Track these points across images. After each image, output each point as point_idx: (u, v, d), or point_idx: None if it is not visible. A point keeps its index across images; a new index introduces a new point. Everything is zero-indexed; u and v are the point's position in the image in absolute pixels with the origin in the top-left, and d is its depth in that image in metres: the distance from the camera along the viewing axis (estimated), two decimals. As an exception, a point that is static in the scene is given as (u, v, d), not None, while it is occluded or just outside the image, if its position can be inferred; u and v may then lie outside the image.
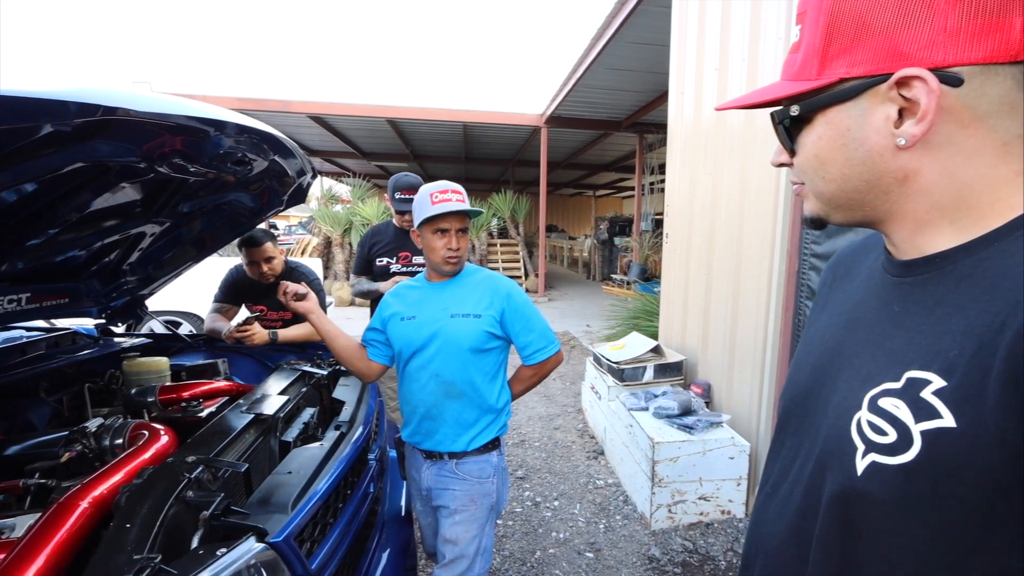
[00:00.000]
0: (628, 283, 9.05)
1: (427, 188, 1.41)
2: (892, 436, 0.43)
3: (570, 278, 13.93)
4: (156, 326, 3.50)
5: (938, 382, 0.41)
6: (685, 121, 3.33)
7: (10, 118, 0.74)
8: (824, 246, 2.17)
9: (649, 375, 3.08)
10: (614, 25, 5.44)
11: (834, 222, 0.53)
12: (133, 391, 1.54)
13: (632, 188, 15.81)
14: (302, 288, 1.44)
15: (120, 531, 0.84)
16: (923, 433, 0.41)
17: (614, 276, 10.98)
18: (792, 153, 0.52)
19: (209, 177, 1.40)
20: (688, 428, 2.46)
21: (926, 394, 0.42)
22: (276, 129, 1.39)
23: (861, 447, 0.45)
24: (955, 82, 0.41)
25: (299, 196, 1.98)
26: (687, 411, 2.59)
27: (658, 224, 9.82)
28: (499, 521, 2.44)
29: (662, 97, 7.64)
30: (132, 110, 0.83)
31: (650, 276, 8.64)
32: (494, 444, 1.46)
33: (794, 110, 0.49)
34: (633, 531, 2.39)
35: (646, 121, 9.12)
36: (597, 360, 3.45)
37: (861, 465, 0.45)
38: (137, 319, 2.08)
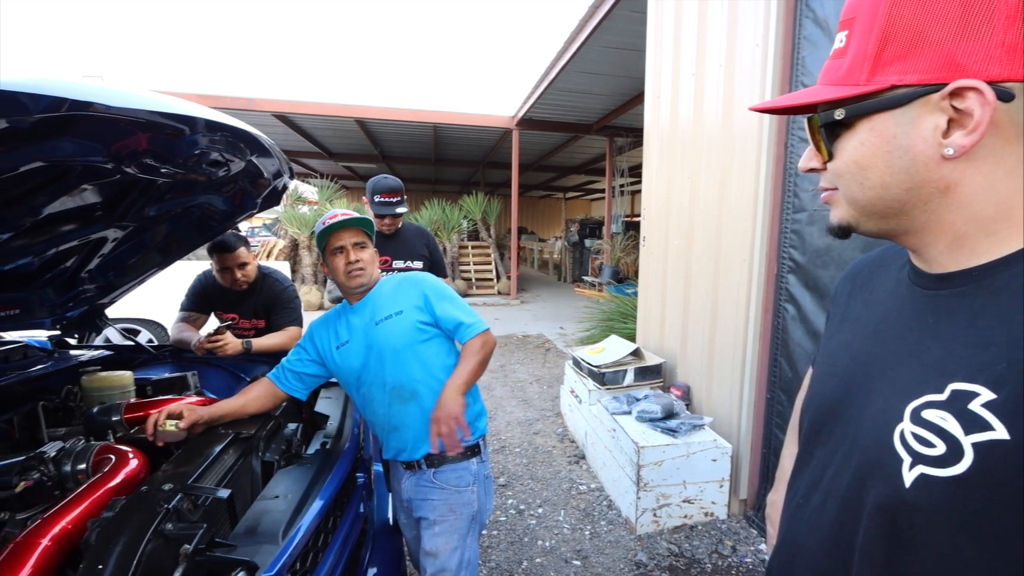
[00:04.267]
0: (600, 285, 9.11)
1: (319, 220, 1.46)
2: (941, 448, 0.43)
3: (541, 280, 13.97)
4: (113, 335, 3.29)
5: (987, 394, 0.41)
6: (662, 125, 3.36)
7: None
8: (802, 252, 2.21)
9: (630, 378, 3.08)
10: (587, 29, 5.47)
11: (863, 231, 0.53)
12: (95, 409, 1.42)
13: (601, 190, 16.00)
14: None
15: (92, 574, 0.76)
16: (975, 445, 0.41)
17: (586, 278, 11.06)
18: (829, 157, 0.52)
19: (180, 178, 1.31)
20: (672, 431, 2.47)
21: (975, 406, 0.42)
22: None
23: (908, 459, 0.45)
24: (1007, 97, 0.42)
25: (274, 198, 1.88)
26: (670, 414, 2.60)
27: (628, 227, 9.95)
28: (483, 532, 2.39)
29: (633, 101, 7.75)
30: (103, 105, 0.75)
31: (622, 278, 8.73)
32: (472, 451, 1.43)
33: (839, 114, 0.49)
34: (619, 536, 2.38)
35: (616, 124, 9.24)
36: (577, 364, 3.43)
37: (909, 477, 0.45)
38: (95, 330, 1.94)
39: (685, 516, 2.43)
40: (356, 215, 1.46)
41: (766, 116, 2.31)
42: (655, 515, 2.40)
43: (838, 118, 0.49)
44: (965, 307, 0.47)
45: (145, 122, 0.92)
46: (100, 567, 0.76)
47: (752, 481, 2.51)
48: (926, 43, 0.43)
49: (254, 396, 1.41)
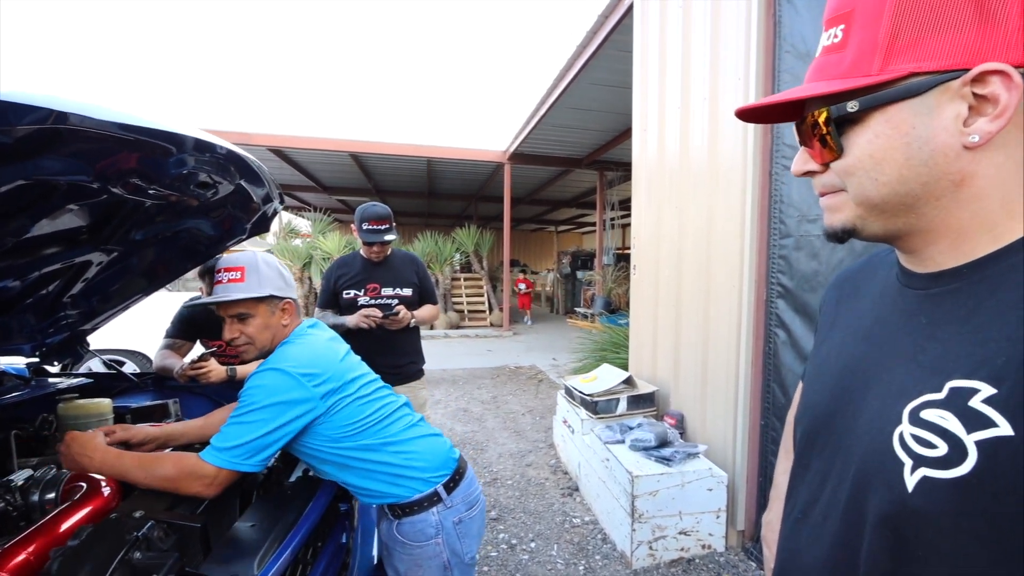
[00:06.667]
0: (592, 316, 9.11)
1: (218, 263, 1.30)
2: (943, 449, 0.41)
3: (534, 312, 13.94)
4: (97, 365, 3.22)
5: (987, 390, 0.39)
6: (649, 157, 3.43)
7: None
8: (790, 277, 2.22)
9: (623, 407, 3.04)
10: (576, 66, 5.65)
11: (866, 233, 0.50)
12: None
13: (592, 224, 16.22)
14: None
15: (50, 605, 0.71)
16: (978, 443, 0.39)
17: (578, 309, 11.07)
18: (838, 154, 0.49)
19: (169, 200, 1.30)
20: (666, 460, 2.42)
21: (975, 403, 0.40)
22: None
23: (909, 462, 0.43)
24: None
25: (263, 225, 1.87)
26: (664, 443, 2.55)
27: (620, 258, 10.03)
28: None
29: (622, 135, 7.94)
30: (89, 118, 0.75)
31: (614, 309, 8.74)
32: (431, 500, 1.26)
33: (852, 106, 0.46)
34: (614, 571, 2.30)
35: (606, 159, 9.44)
36: (569, 393, 3.39)
37: (911, 481, 0.42)
38: (76, 357, 1.89)
39: (682, 549, 2.36)
40: (239, 289, 1.25)
41: (751, 145, 2.36)
42: (651, 548, 2.32)
43: (851, 110, 0.46)
44: (959, 304, 0.45)
45: (133, 140, 0.92)
46: (60, 598, 0.72)
47: (749, 512, 2.45)
48: (943, 28, 0.42)
49: (218, 420, 1.32)
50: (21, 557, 0.83)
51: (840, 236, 0.52)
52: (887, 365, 0.50)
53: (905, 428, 0.44)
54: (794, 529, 0.58)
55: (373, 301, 2.39)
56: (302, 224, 13.60)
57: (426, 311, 2.52)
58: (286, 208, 15.85)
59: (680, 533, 2.36)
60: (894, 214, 0.48)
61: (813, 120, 0.49)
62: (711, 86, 2.70)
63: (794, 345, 2.21)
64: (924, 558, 0.42)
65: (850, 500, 0.49)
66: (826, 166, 0.51)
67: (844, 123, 0.48)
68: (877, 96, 0.45)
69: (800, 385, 0.84)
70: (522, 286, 12.66)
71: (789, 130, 2.23)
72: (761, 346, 2.40)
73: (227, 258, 1.31)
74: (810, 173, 0.53)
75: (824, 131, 0.49)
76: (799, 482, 0.60)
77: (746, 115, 0.56)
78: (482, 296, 11.47)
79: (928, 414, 0.43)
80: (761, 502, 2.41)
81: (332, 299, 2.45)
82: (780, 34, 2.30)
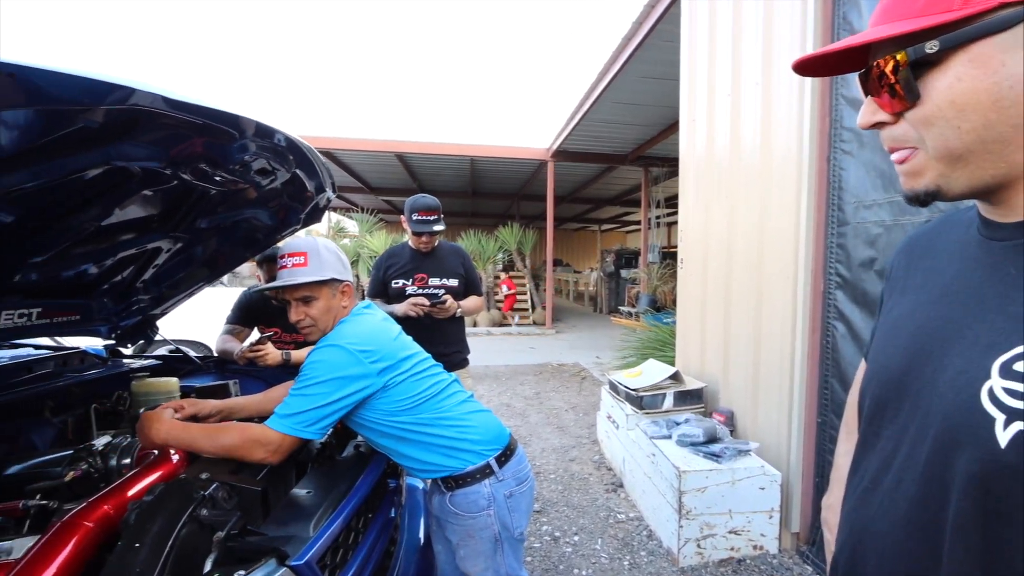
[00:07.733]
0: (637, 314, 8.96)
1: (281, 248, 1.36)
2: None
3: (577, 311, 13.86)
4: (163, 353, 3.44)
5: None
6: (697, 149, 3.33)
7: (34, 98, 0.70)
8: (848, 267, 2.11)
9: (669, 403, 2.97)
10: (621, 59, 5.57)
11: (952, 191, 0.46)
12: (141, 411, 1.47)
13: (637, 222, 15.95)
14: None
15: (128, 551, 0.77)
16: None
17: (622, 308, 10.91)
18: (912, 103, 0.45)
19: (231, 188, 1.38)
20: (715, 456, 2.35)
21: None
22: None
23: (1001, 417, 0.40)
24: None
25: (316, 215, 1.95)
26: (713, 439, 2.48)
27: (665, 256, 9.82)
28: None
29: (668, 130, 7.77)
30: (166, 98, 0.80)
31: (660, 307, 8.56)
32: (483, 472, 1.29)
33: (932, 46, 0.42)
34: (660, 568, 2.25)
35: (651, 155, 9.26)
36: (614, 388, 3.35)
37: (1004, 437, 0.39)
38: (147, 340, 2.03)
39: (732, 548, 2.28)
40: (302, 273, 1.30)
41: (806, 129, 2.26)
42: (699, 546, 2.26)
43: (931, 52, 0.42)
44: None
45: (202, 124, 0.98)
46: (137, 546, 0.77)
47: (805, 513, 2.34)
48: None
49: (277, 396, 1.38)
50: (103, 509, 0.90)
51: (923, 199, 0.48)
52: (969, 322, 0.47)
53: (995, 382, 0.41)
54: (862, 499, 0.55)
55: (421, 291, 2.44)
56: (350, 224, 14.05)
57: (472, 302, 2.55)
58: (334, 209, 16.41)
59: (730, 532, 2.28)
60: (980, 165, 0.44)
61: (882, 67, 0.46)
62: (763, 70, 2.61)
63: (855, 338, 2.10)
64: (1017, 518, 0.39)
65: (930, 461, 0.46)
66: (898, 116, 0.47)
67: (918, 67, 0.44)
68: (961, 33, 0.41)
69: (862, 364, 0.80)
70: (505, 288, 10.84)
71: (848, 111, 2.13)
72: (818, 340, 2.29)
73: (289, 244, 1.38)
74: (879, 125, 0.49)
75: (894, 79, 0.45)
76: (867, 452, 0.57)
77: (805, 68, 0.53)
78: (525, 294, 11.48)
79: (1022, 366, 0.40)
80: (818, 504, 2.30)
81: (381, 288, 2.51)
82: (838, 12, 2.19)
